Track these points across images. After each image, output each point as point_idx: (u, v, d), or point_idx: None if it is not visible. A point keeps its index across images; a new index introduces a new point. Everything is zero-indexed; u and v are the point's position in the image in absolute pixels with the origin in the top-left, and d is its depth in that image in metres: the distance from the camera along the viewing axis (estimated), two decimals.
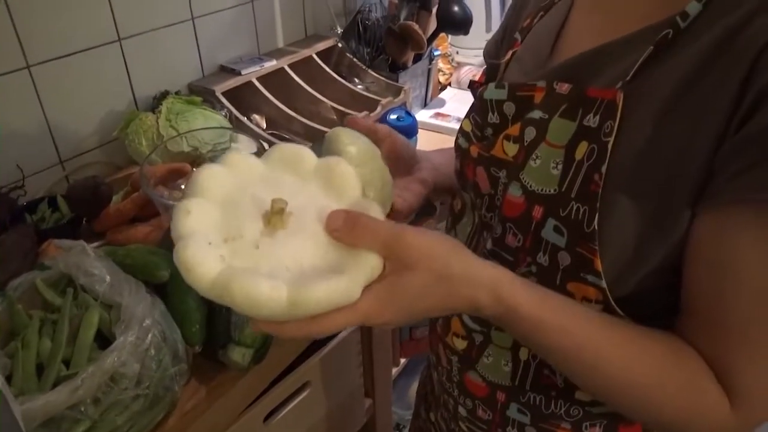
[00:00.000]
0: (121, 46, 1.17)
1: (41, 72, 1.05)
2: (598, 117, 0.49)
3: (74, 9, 1.07)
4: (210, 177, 0.47)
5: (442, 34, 1.65)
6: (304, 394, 0.99)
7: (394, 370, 1.61)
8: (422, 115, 1.60)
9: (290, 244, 0.44)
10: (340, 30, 1.60)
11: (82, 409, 0.61)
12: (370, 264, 0.44)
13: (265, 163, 0.51)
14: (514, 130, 0.57)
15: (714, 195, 0.45)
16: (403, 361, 1.67)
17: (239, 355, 0.74)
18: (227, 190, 0.47)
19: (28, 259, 0.91)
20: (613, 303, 0.51)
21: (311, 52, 1.51)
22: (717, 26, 0.45)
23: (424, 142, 1.45)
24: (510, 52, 0.65)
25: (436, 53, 1.68)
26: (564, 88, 0.53)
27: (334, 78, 1.50)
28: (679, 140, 0.46)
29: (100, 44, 1.13)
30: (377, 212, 0.47)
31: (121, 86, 1.20)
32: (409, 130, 1.31)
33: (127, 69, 1.20)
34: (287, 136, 1.35)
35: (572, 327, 0.49)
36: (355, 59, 1.56)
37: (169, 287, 0.77)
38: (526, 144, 0.55)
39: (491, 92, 0.60)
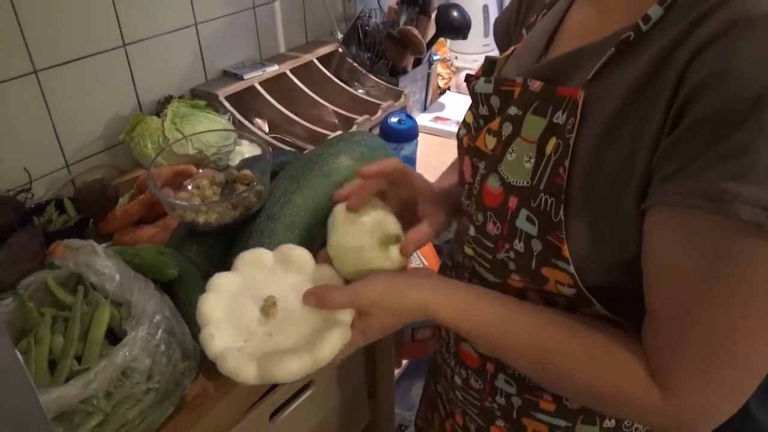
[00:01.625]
0: (126, 51, 1.19)
1: (48, 77, 1.07)
2: (565, 114, 0.52)
3: (80, 15, 1.09)
4: (209, 303, 0.63)
5: (441, 39, 1.67)
6: (309, 392, 1.00)
7: (397, 372, 1.62)
8: (422, 119, 1.62)
9: (290, 322, 0.61)
10: (340, 35, 1.62)
11: (95, 402, 0.62)
12: (346, 317, 0.61)
13: (238, 274, 0.66)
14: (494, 124, 0.60)
15: (649, 197, 0.48)
16: (405, 362, 1.68)
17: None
18: (224, 306, 0.63)
19: (36, 261, 0.92)
20: (583, 288, 0.54)
21: (312, 57, 1.53)
22: (669, 33, 0.47)
23: (424, 145, 1.47)
24: (512, 48, 0.67)
25: (435, 58, 1.70)
26: (536, 85, 0.56)
27: (335, 82, 1.52)
28: (626, 143, 0.49)
29: (105, 50, 1.15)
30: (330, 274, 0.66)
31: (126, 91, 1.22)
32: (410, 132, 1.32)
33: (131, 74, 1.22)
34: (289, 140, 1.37)
35: (483, 320, 0.60)
36: (355, 64, 1.58)
37: (177, 285, 0.78)
38: (503, 138, 0.59)
39: (481, 86, 0.63)
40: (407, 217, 0.71)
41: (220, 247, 0.88)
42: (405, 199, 0.72)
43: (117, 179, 1.18)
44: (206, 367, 0.80)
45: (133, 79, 1.22)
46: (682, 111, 0.45)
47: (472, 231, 0.64)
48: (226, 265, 0.85)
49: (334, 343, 0.58)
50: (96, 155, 1.19)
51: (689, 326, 0.48)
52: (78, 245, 0.79)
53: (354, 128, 1.37)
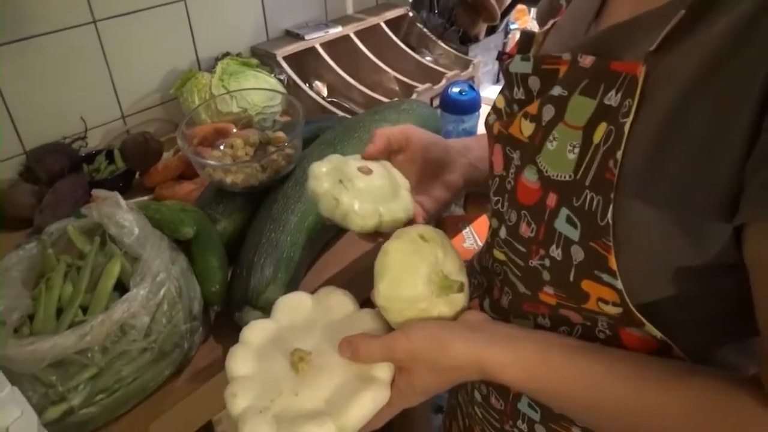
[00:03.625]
0: (186, 5, 1.18)
1: (107, 27, 1.08)
2: (619, 95, 0.43)
3: None
4: (237, 357, 0.56)
5: (522, 7, 1.55)
6: None
7: None
8: (491, 92, 1.53)
9: (321, 379, 0.53)
10: None
11: (89, 355, 0.62)
12: (383, 373, 0.53)
13: (274, 321, 0.59)
14: (533, 107, 0.51)
15: (748, 205, 0.38)
16: None
17: (254, 318, 0.73)
18: (253, 360, 0.56)
19: (77, 207, 0.94)
20: (631, 306, 0.45)
21: (380, 20, 1.47)
22: None
23: None
24: (551, 21, 0.58)
25: (512, 27, 1.59)
26: (587, 61, 0.46)
27: (402, 48, 1.45)
28: (702, 131, 0.39)
29: (165, 2, 1.15)
30: (373, 319, 0.57)
31: (184, 46, 1.22)
32: (471, 104, 1.24)
33: (191, 28, 1.21)
34: (346, 105, 1.33)
35: (560, 380, 0.48)
36: (425, 29, 1.50)
37: (194, 245, 0.77)
38: (543, 123, 0.49)
39: (517, 65, 0.54)
40: (428, 176, 0.67)
41: (247, 209, 0.86)
42: (418, 162, 0.67)
43: (170, 134, 1.19)
44: (218, 330, 0.78)
45: (192, 33, 1.22)
46: None
47: (503, 232, 0.56)
48: (250, 228, 0.83)
49: (363, 407, 0.50)
50: (151, 108, 1.21)
51: None
52: (104, 195, 0.79)
53: (414, 96, 1.30)
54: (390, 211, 0.61)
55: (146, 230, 0.74)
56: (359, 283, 0.86)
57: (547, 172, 0.48)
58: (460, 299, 0.54)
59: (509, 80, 0.55)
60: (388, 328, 0.57)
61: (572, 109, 0.47)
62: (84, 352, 0.62)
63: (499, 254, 0.58)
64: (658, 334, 0.46)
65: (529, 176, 0.50)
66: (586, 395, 0.47)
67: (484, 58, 1.51)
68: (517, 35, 1.68)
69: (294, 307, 0.60)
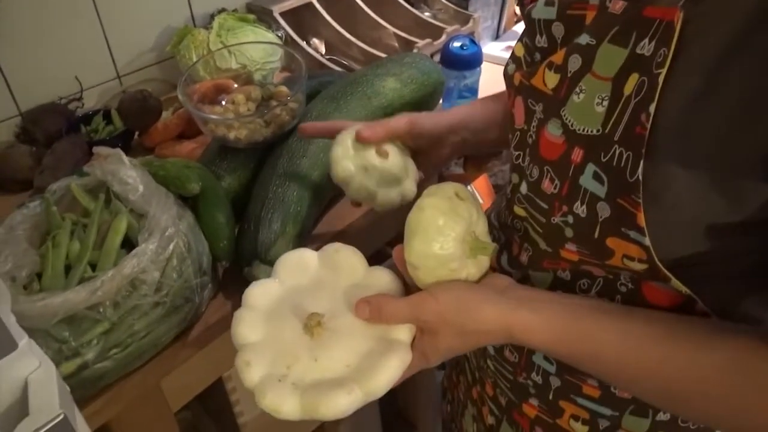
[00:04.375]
0: None
1: None
2: (653, 44, 0.40)
3: None
4: (244, 323, 0.53)
5: None
6: None
7: None
8: (492, 48, 1.50)
9: (339, 342, 0.51)
10: None
11: (101, 310, 0.61)
12: (404, 335, 0.51)
13: (278, 282, 0.57)
14: (557, 57, 0.48)
15: None
16: None
17: (264, 273, 0.72)
18: (262, 325, 0.53)
19: (77, 168, 0.93)
20: (658, 263, 0.44)
21: None
22: None
23: (490, 75, 1.36)
24: None
25: None
26: (617, 6, 0.43)
27: (399, 3, 1.42)
28: (744, 87, 0.37)
29: None
30: (387, 280, 0.55)
31: (179, 1, 1.19)
32: (473, 59, 1.22)
33: None
34: (345, 62, 1.30)
35: (591, 342, 0.48)
36: None
37: (200, 201, 0.76)
38: (569, 74, 0.47)
39: (540, 10, 0.51)
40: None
41: (251, 165, 0.85)
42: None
43: (167, 94, 1.17)
44: (227, 286, 0.78)
45: None
46: None
47: (524, 188, 0.54)
48: (255, 183, 0.82)
49: (391, 373, 0.48)
50: (147, 68, 1.18)
51: None
52: (106, 153, 0.78)
53: (412, 52, 1.28)
54: (388, 194, 0.67)
55: (151, 187, 0.73)
56: (366, 239, 0.86)
57: (572, 126, 0.46)
58: (486, 261, 0.54)
59: (531, 27, 0.52)
60: (403, 287, 0.55)
61: (601, 58, 0.44)
62: (95, 307, 0.61)
63: (519, 210, 0.57)
64: (684, 289, 0.45)
65: (553, 130, 0.48)
66: (618, 357, 0.46)
67: (484, 13, 1.48)
68: None
69: (299, 265, 0.58)
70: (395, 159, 0.68)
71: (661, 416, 0.56)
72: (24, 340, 0.45)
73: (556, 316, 0.48)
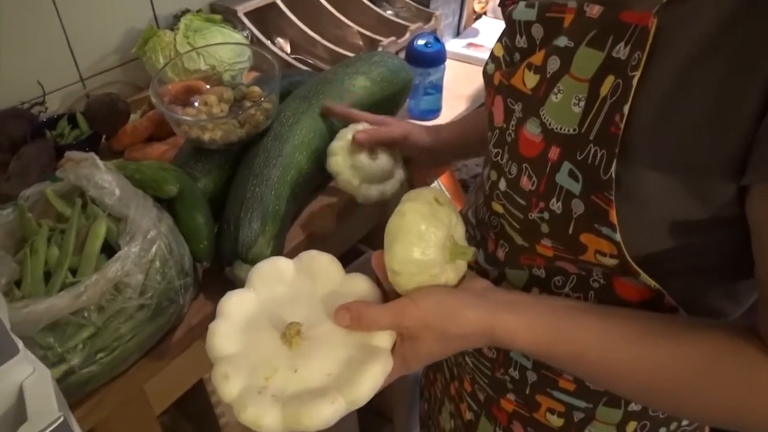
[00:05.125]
0: None
1: None
2: (628, 47, 0.42)
3: None
4: (220, 334, 0.52)
5: None
6: None
7: None
8: (454, 45, 1.53)
9: (319, 351, 0.50)
10: None
11: (86, 315, 0.61)
12: (385, 341, 0.51)
13: (253, 291, 0.56)
14: (537, 58, 0.50)
15: (755, 169, 0.38)
16: None
17: (245, 272, 0.73)
18: (238, 335, 0.52)
19: (46, 174, 0.91)
20: (628, 258, 0.46)
21: None
22: None
23: (453, 72, 1.39)
24: None
25: None
26: (595, 10, 0.45)
27: (363, 2, 1.43)
28: (715, 90, 0.39)
29: None
30: (364, 286, 0.55)
31: (141, 3, 1.17)
32: (437, 56, 1.24)
33: None
34: (311, 61, 1.31)
35: (572, 343, 0.48)
36: None
37: (178, 203, 0.76)
38: (548, 75, 0.49)
39: (520, 12, 0.52)
40: None
41: (226, 166, 0.85)
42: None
43: (132, 96, 1.15)
44: (207, 286, 0.78)
45: None
46: None
47: (502, 185, 0.56)
48: (230, 185, 0.83)
49: (373, 381, 0.47)
50: (111, 71, 1.17)
51: None
52: (80, 157, 0.77)
53: (379, 50, 1.30)
54: (369, 191, 0.78)
55: (128, 190, 0.72)
56: (338, 239, 0.89)
57: (550, 125, 0.48)
58: (464, 265, 0.54)
59: (511, 28, 0.54)
60: (381, 293, 0.55)
61: (579, 60, 0.46)
62: (80, 312, 0.61)
63: (497, 206, 0.58)
64: (653, 283, 0.47)
65: (532, 129, 0.50)
66: (599, 356, 0.47)
67: (445, 11, 1.50)
68: None
69: (274, 274, 0.57)
70: (383, 161, 0.77)
71: (633, 407, 0.59)
72: (18, 346, 0.45)
73: (538, 317, 0.49)
